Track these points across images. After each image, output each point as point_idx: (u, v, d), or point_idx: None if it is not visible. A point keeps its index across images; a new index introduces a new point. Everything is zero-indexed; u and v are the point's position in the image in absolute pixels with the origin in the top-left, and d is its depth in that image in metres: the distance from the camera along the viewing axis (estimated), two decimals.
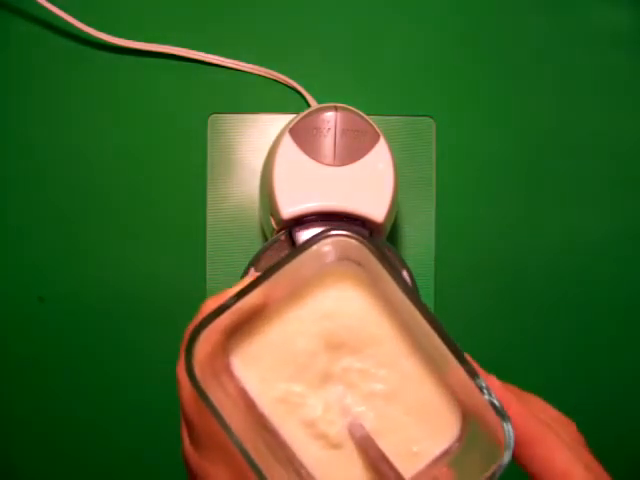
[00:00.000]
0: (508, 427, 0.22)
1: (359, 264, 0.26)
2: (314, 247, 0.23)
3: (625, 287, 0.50)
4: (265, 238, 0.48)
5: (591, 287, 0.50)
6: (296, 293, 0.26)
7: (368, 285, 0.26)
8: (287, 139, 0.40)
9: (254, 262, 0.39)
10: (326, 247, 0.24)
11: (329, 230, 0.23)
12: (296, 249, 0.23)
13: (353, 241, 0.23)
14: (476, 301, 0.49)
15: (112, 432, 0.48)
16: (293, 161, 0.40)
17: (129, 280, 0.48)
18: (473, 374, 0.22)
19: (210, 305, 0.25)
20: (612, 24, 0.51)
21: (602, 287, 0.50)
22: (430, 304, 0.49)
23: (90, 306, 0.48)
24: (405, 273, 0.39)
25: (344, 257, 0.26)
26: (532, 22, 0.51)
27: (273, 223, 0.41)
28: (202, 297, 0.48)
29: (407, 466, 0.25)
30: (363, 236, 0.23)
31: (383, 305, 0.26)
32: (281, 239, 0.39)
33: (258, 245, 0.48)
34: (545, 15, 0.51)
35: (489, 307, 0.49)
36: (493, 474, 0.22)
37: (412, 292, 0.23)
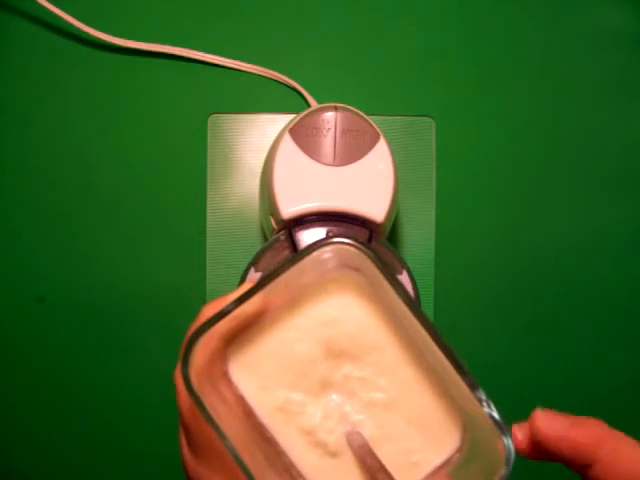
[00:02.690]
0: (508, 441, 0.22)
1: (359, 272, 0.26)
2: (314, 254, 0.23)
3: (627, 287, 0.50)
4: (265, 238, 0.48)
5: (592, 287, 0.50)
6: (296, 300, 0.26)
7: (368, 293, 0.26)
8: (287, 139, 0.40)
9: (254, 262, 0.39)
10: (326, 254, 0.24)
11: (330, 237, 0.23)
12: (296, 256, 0.23)
13: (353, 249, 0.23)
14: (476, 301, 0.49)
15: (112, 433, 0.48)
16: (293, 161, 0.39)
17: (129, 280, 0.48)
18: (473, 386, 0.22)
19: (209, 311, 0.25)
20: (612, 24, 0.51)
21: (603, 287, 0.50)
22: (430, 304, 0.49)
23: (90, 306, 0.48)
24: (405, 273, 0.39)
25: (344, 264, 0.26)
26: (532, 22, 0.51)
27: (273, 223, 0.41)
28: (202, 297, 0.48)
29: (406, 476, 0.25)
30: (364, 244, 0.23)
31: (383, 313, 0.26)
32: (281, 239, 0.39)
33: (258, 245, 0.48)
34: (545, 15, 0.51)
35: (489, 307, 0.49)
36: None
37: (412, 301, 0.23)
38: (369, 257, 0.23)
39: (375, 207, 0.39)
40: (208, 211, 0.48)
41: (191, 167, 0.49)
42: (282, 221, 0.39)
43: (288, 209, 0.39)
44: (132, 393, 0.48)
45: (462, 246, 0.49)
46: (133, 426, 0.48)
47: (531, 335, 0.49)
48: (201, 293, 0.48)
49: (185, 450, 0.27)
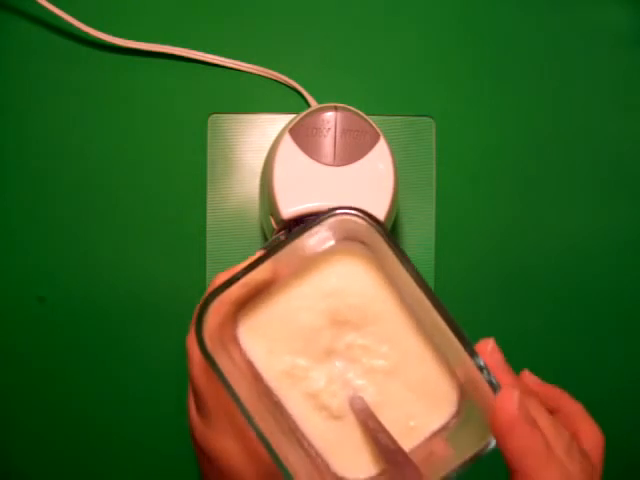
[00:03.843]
0: None
1: (365, 243, 0.27)
2: (322, 224, 0.24)
3: (627, 287, 0.50)
4: (265, 238, 0.48)
5: (592, 287, 0.50)
6: (303, 269, 0.27)
7: (373, 264, 0.27)
8: (287, 139, 0.40)
9: None
10: (334, 225, 0.25)
11: (337, 208, 0.24)
12: (304, 226, 0.24)
13: (360, 220, 0.24)
14: (476, 301, 0.49)
15: (112, 432, 0.48)
16: (293, 161, 0.40)
17: (129, 280, 0.48)
18: (472, 353, 0.23)
19: (221, 278, 0.26)
20: (612, 24, 0.51)
21: (603, 287, 0.50)
22: None
23: (90, 306, 0.48)
24: None
25: (351, 236, 0.26)
26: (532, 22, 0.51)
27: (273, 223, 0.41)
28: (202, 297, 0.48)
29: (405, 440, 0.26)
30: (370, 215, 0.24)
31: (387, 283, 0.27)
32: (281, 239, 0.39)
33: (258, 245, 0.48)
34: (545, 15, 0.51)
35: (489, 307, 0.49)
36: (485, 448, 0.22)
37: (416, 271, 0.24)
38: (375, 228, 0.24)
39: (375, 207, 0.39)
40: (208, 211, 0.48)
41: (191, 167, 0.49)
42: (282, 221, 0.39)
43: (288, 209, 0.39)
44: (132, 392, 0.48)
45: (462, 246, 0.49)
46: (133, 425, 0.48)
47: (531, 335, 0.49)
48: (201, 293, 0.48)
49: (193, 413, 0.28)
